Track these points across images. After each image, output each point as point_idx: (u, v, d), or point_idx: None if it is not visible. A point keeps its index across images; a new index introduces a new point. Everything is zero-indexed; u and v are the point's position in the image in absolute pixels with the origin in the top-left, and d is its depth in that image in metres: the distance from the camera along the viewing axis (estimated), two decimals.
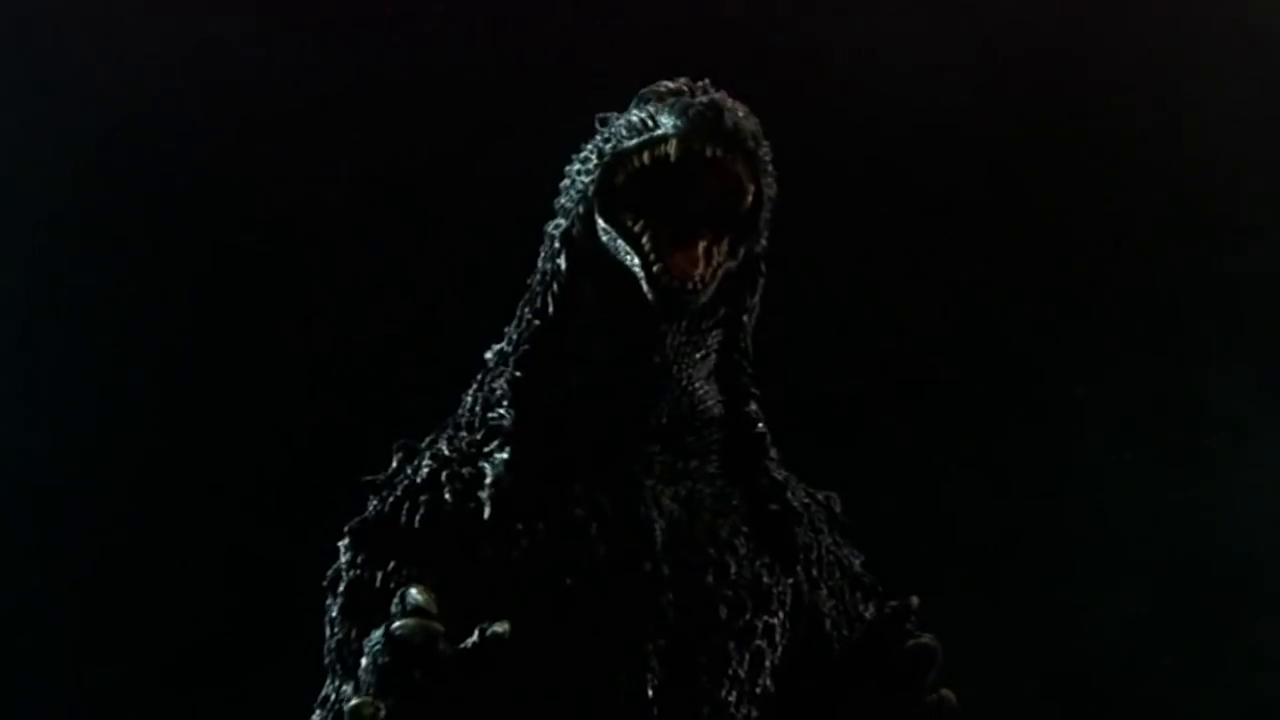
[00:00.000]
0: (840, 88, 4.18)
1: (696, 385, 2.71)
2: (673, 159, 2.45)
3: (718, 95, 2.50)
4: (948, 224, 4.23)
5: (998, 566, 4.08)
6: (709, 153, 2.43)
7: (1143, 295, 4.31)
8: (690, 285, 2.49)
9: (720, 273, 2.54)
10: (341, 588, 2.67)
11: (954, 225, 4.23)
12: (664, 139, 2.46)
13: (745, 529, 2.70)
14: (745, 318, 2.72)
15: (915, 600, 2.66)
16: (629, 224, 2.53)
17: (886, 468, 3.95)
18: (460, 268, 3.93)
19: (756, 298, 2.73)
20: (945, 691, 2.64)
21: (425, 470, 2.71)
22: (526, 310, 2.73)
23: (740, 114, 2.48)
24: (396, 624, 2.38)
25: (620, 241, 2.54)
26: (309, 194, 4.02)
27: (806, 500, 2.84)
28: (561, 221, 2.67)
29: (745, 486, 2.74)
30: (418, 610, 2.39)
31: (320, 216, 4.02)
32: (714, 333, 2.70)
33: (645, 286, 2.50)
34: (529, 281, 2.75)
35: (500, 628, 2.39)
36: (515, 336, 2.75)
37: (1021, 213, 4.28)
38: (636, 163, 2.51)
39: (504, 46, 4.09)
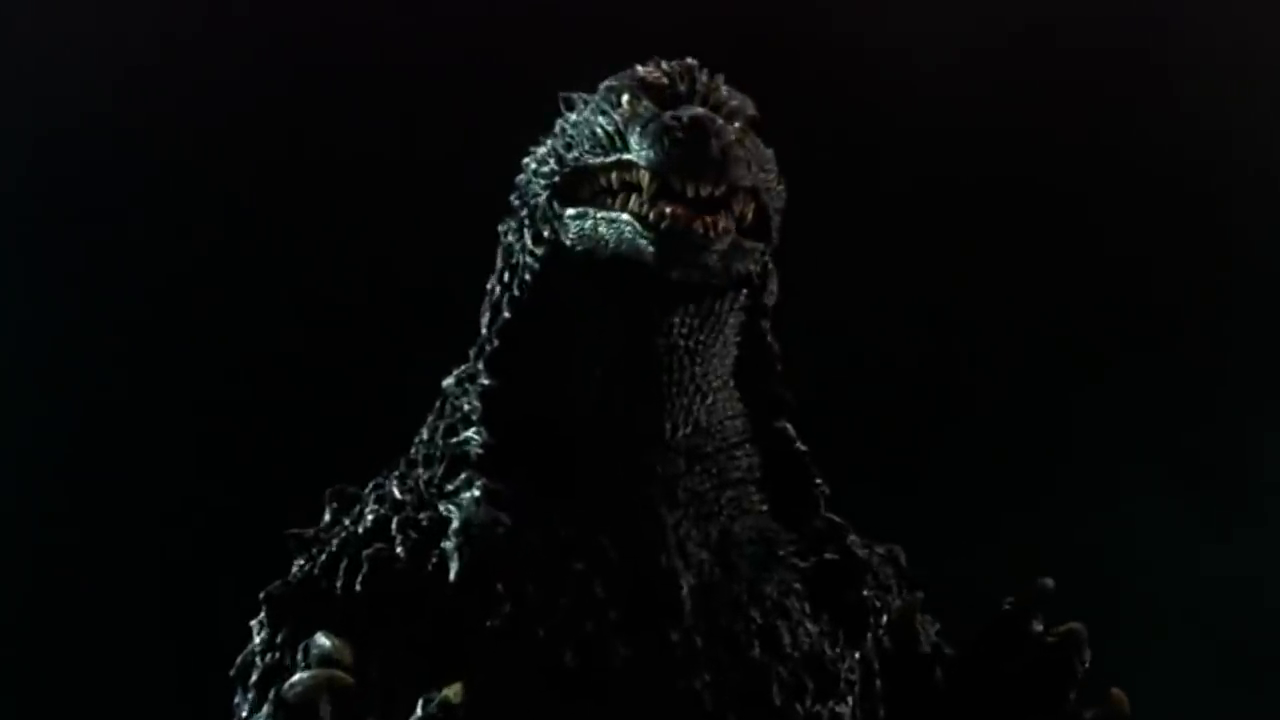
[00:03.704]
0: (871, 85, 3.94)
1: (716, 388, 2.34)
2: (645, 195, 2.15)
3: (702, 111, 2.16)
4: (976, 267, 3.94)
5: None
6: (690, 192, 2.12)
7: (1196, 347, 4.01)
8: (702, 229, 2.11)
9: (730, 240, 2.17)
10: (255, 678, 2.26)
11: (983, 269, 3.95)
12: (632, 165, 2.18)
13: (797, 585, 2.31)
14: (765, 298, 2.37)
15: (1049, 582, 2.29)
16: (607, 201, 2.23)
17: (911, 525, 3.41)
18: (431, 281, 3.63)
19: (774, 280, 2.39)
20: (1115, 691, 2.30)
21: (370, 518, 2.31)
22: (491, 310, 2.40)
23: (731, 135, 2.15)
24: (291, 681, 2.05)
25: (598, 216, 2.21)
26: (264, 208, 3.80)
27: (866, 550, 2.45)
28: (522, 220, 2.37)
29: (792, 528, 2.37)
30: (324, 660, 2.06)
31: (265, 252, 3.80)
32: (730, 319, 2.33)
33: (642, 243, 2.13)
34: (489, 286, 2.41)
35: (452, 691, 2.04)
36: (480, 344, 2.40)
37: (1064, 260, 3.99)
38: (603, 181, 2.22)
39: (501, 31, 3.87)
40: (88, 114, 3.76)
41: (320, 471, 2.49)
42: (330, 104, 3.82)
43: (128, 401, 3.75)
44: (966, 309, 3.94)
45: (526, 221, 2.34)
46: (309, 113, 3.82)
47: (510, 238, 2.38)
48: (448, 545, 2.21)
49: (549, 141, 2.34)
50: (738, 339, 2.35)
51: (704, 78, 2.26)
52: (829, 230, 3.51)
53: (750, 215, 2.22)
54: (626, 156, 2.17)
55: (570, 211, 2.25)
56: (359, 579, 2.21)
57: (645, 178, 2.14)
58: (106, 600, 3.67)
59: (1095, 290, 3.99)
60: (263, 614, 2.27)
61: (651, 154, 2.12)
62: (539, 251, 2.31)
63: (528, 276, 2.32)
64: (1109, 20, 4.03)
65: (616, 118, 2.22)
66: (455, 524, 2.23)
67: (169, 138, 3.78)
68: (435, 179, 3.75)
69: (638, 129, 2.16)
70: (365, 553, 2.23)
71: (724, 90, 2.26)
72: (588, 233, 2.23)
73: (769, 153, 2.28)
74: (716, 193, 2.13)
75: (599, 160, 2.22)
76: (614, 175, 2.19)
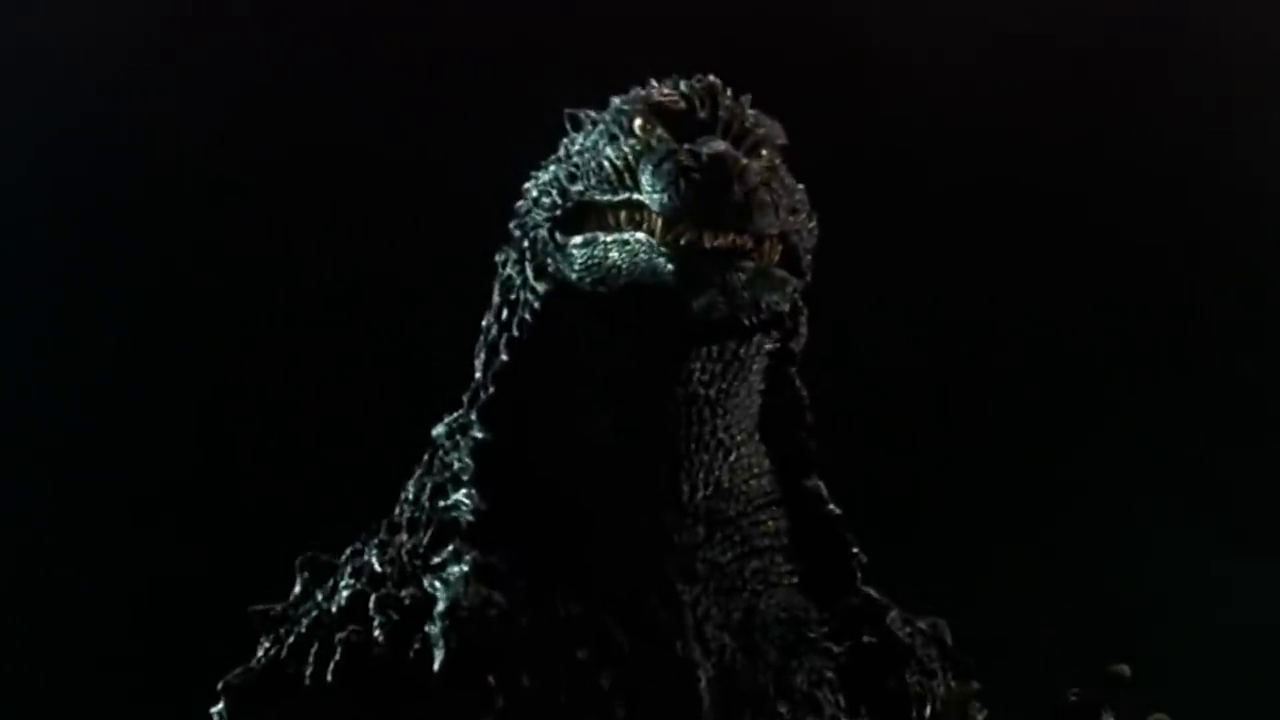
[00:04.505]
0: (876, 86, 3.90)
1: (739, 442, 2.16)
2: (658, 242, 1.98)
3: (723, 147, 1.99)
4: (990, 276, 3.89)
5: (1046, 652, 3.69)
6: (709, 244, 1.96)
7: (1216, 370, 3.96)
8: (736, 243, 1.96)
9: (774, 256, 2.04)
10: None
11: (996, 281, 3.90)
12: (642, 207, 2.01)
13: (830, 674, 2.15)
14: (794, 343, 2.20)
15: (1125, 669, 2.18)
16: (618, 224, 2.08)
17: (923, 552, 3.57)
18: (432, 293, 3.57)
19: (804, 322, 2.23)
20: None
21: (345, 594, 2.16)
22: (487, 352, 2.21)
23: (755, 176, 1.98)
24: None
25: (608, 240, 2.04)
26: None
27: (908, 629, 2.26)
28: (523, 251, 2.20)
29: (825, 605, 2.21)
30: None
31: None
32: (756, 364, 2.15)
33: (660, 261, 1.96)
34: (485, 323, 2.25)
35: None
36: (474, 390, 2.21)
37: (1081, 278, 3.94)
38: (611, 220, 2.06)
39: (503, 29, 3.82)
40: (83, 112, 3.76)
41: (314, 481, 2.61)
42: (328, 104, 3.79)
43: (120, 402, 3.72)
44: (980, 330, 3.89)
45: (528, 254, 2.16)
46: (306, 113, 3.79)
47: (509, 270, 2.20)
48: (432, 630, 2.03)
49: (551, 167, 2.16)
50: (762, 387, 2.17)
51: (727, 101, 2.06)
52: (831, 246, 3.52)
53: (777, 258, 2.05)
54: (637, 197, 1.99)
55: (576, 240, 2.07)
56: (331, 667, 2.06)
57: (658, 224, 1.96)
58: (93, 602, 3.64)
59: (1112, 310, 3.94)
60: (222, 705, 2.12)
61: (665, 198, 1.95)
62: (541, 287, 2.13)
63: (528, 315, 2.15)
64: (1122, 20, 4.01)
65: (626, 149, 2.04)
66: (441, 604, 2.05)
67: (162, 138, 3.77)
68: (437, 183, 3.69)
69: (650, 166, 1.98)
70: (339, 636, 2.07)
71: (750, 116, 2.06)
72: (597, 260, 2.05)
73: (799, 188, 2.10)
74: (739, 242, 1.95)
75: (606, 198, 2.04)
76: (622, 214, 2.02)
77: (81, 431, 3.72)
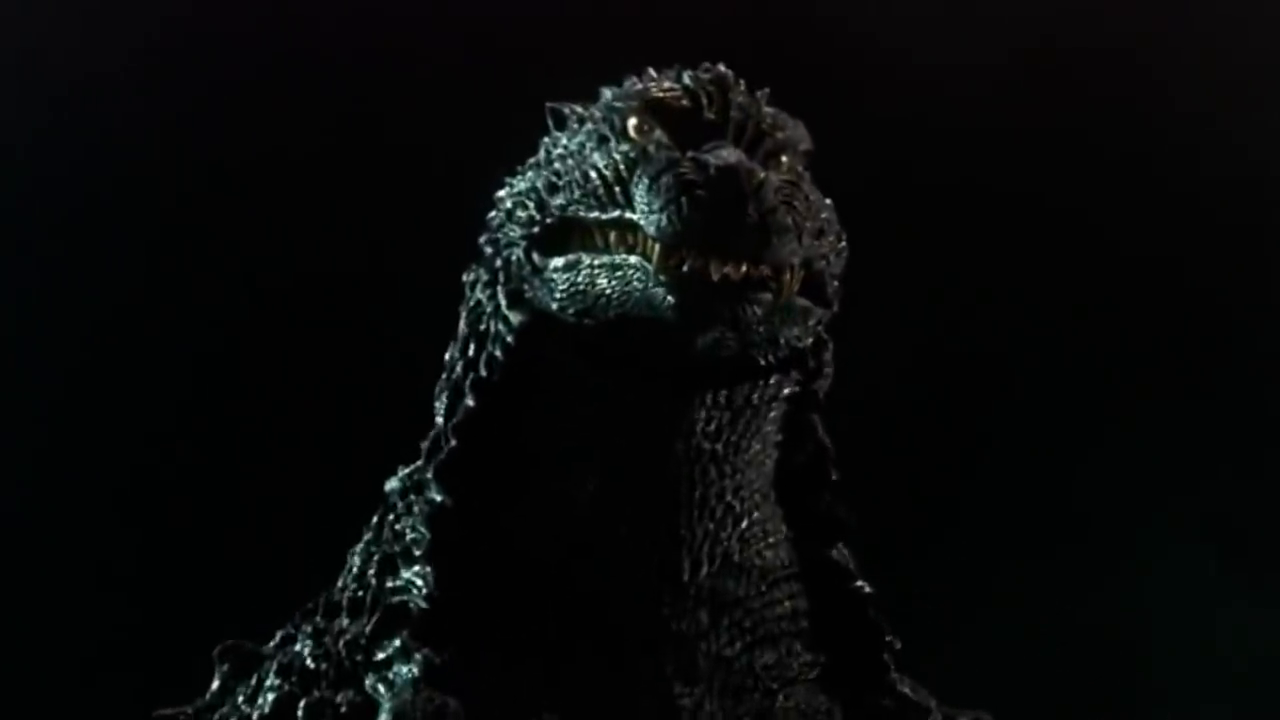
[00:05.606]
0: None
1: (751, 507, 1.96)
2: (655, 268, 1.77)
3: (735, 158, 1.75)
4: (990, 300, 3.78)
5: (1065, 689, 3.64)
6: (716, 275, 1.75)
7: (1227, 393, 3.85)
8: (750, 274, 1.73)
9: (794, 287, 1.81)
10: None
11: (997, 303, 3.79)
12: (636, 228, 1.80)
13: None
14: (817, 384, 1.99)
15: None
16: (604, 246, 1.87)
17: (929, 578, 3.42)
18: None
19: (829, 359, 2.00)
20: None
21: (270, 697, 1.95)
22: (450, 394, 1.98)
23: (773, 195, 1.75)
24: None
25: (596, 264, 1.82)
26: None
27: None
28: (495, 272, 1.98)
29: (853, 703, 1.99)
30: None
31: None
32: (772, 412, 1.93)
33: (658, 292, 1.74)
34: (448, 357, 2.03)
35: None
36: (434, 439, 1.96)
37: (1090, 296, 3.81)
38: (599, 239, 1.84)
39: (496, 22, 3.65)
40: (75, 108, 3.68)
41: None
42: (324, 101, 3.67)
43: (104, 402, 3.59)
44: (976, 342, 3.77)
45: (500, 276, 1.90)
46: (301, 111, 3.65)
47: (479, 294, 1.94)
48: None
49: (529, 173, 1.90)
50: (779, 439, 1.95)
51: (740, 97, 1.80)
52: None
53: (798, 288, 1.80)
54: (629, 215, 1.73)
55: (557, 262, 1.83)
56: None
57: (656, 250, 1.69)
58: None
59: (1121, 330, 3.82)
60: None
61: (663, 220, 1.70)
62: (515, 317, 1.88)
63: (499, 351, 1.90)
64: (1123, 21, 3.89)
65: (618, 157, 1.78)
66: (385, 714, 1.83)
67: (158, 136, 3.66)
68: (426, 182, 3.50)
69: (646, 179, 1.72)
70: None
71: (768, 115, 1.79)
72: (582, 287, 1.80)
73: (826, 204, 1.84)
74: (753, 274, 1.69)
75: (593, 215, 1.78)
76: (612, 235, 1.76)
77: (64, 430, 3.63)
